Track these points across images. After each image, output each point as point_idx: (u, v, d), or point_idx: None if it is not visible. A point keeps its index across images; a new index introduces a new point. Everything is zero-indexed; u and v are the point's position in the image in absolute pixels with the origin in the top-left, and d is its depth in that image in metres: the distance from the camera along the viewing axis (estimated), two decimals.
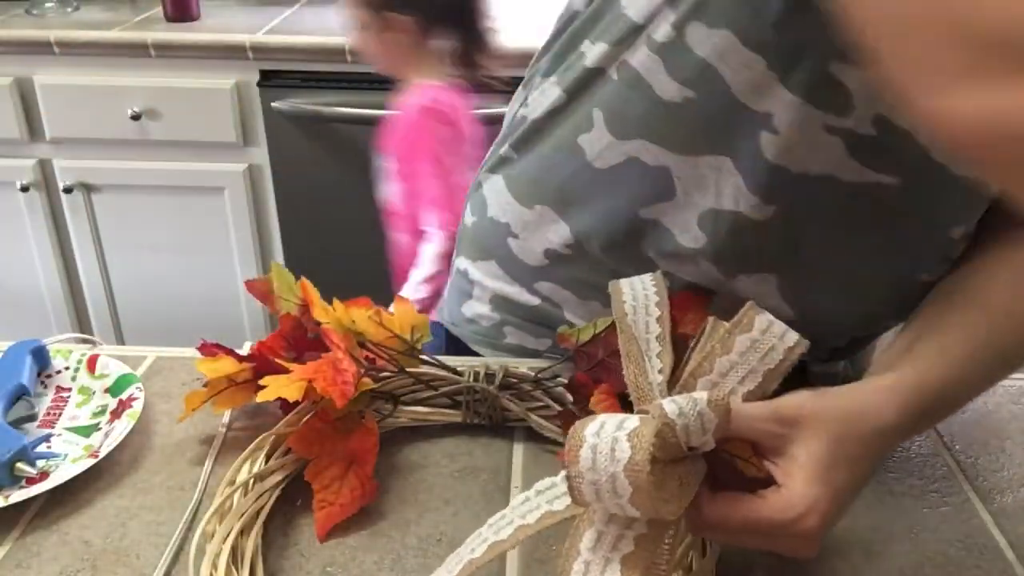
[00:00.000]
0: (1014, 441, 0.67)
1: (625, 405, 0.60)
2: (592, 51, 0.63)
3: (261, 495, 0.56)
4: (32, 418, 0.66)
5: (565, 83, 0.66)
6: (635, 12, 0.60)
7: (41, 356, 0.70)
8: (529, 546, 0.56)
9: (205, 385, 0.64)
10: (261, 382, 0.61)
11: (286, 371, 0.61)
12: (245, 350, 0.66)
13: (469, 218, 0.78)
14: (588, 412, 0.60)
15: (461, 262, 0.80)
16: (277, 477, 0.58)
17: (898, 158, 0.58)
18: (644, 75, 0.60)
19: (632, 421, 0.42)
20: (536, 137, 0.70)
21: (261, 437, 0.60)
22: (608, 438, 0.41)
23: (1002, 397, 0.72)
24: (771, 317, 0.52)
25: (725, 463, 0.47)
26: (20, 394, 0.66)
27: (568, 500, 0.44)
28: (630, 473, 0.40)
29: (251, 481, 0.57)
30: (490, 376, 0.65)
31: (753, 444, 0.48)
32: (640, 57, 0.60)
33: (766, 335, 0.51)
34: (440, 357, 0.68)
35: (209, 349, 0.65)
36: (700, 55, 0.57)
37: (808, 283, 0.65)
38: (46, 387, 0.70)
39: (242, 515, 0.54)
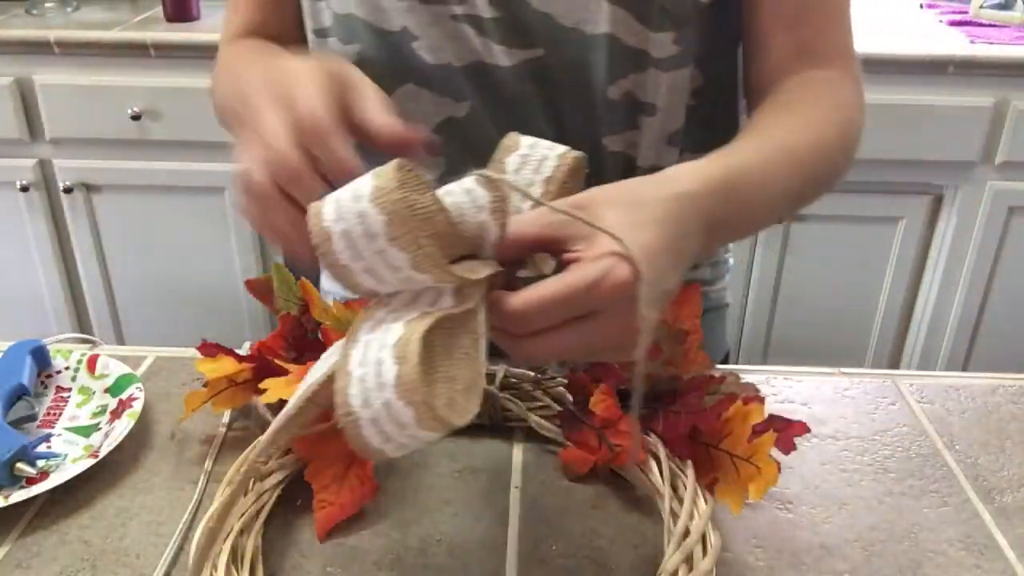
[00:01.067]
0: (1014, 441, 0.67)
1: (625, 404, 0.60)
2: None
3: (261, 495, 0.56)
4: (32, 418, 0.66)
5: None
6: None
7: (41, 356, 0.70)
8: (529, 546, 0.56)
9: (205, 385, 0.64)
10: (261, 384, 0.61)
11: (286, 371, 0.61)
12: (245, 350, 0.66)
13: None
14: (588, 412, 0.60)
15: None
16: (277, 477, 0.58)
17: (532, 30, 0.64)
18: None
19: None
20: None
21: (261, 437, 0.60)
22: (348, 189, 0.38)
23: (1002, 397, 0.72)
24: (537, 138, 0.50)
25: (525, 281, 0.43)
26: (20, 394, 0.66)
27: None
28: (378, 201, 0.36)
29: (251, 481, 0.57)
30: (490, 376, 0.65)
31: (554, 244, 0.44)
32: None
33: (535, 149, 0.49)
34: None
35: (209, 349, 0.65)
36: None
37: None
38: (46, 387, 0.70)
39: (242, 515, 0.54)
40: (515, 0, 0.64)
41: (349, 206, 0.37)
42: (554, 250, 0.45)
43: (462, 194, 0.41)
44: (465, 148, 0.69)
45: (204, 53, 1.67)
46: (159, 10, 1.82)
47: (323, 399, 0.41)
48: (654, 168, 0.70)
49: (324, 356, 0.45)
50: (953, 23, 1.81)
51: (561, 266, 0.44)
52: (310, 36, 0.72)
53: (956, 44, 1.66)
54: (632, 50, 0.66)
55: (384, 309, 0.40)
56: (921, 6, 1.97)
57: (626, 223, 0.43)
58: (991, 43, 1.66)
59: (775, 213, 0.59)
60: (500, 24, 0.65)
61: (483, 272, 0.41)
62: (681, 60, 0.68)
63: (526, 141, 0.50)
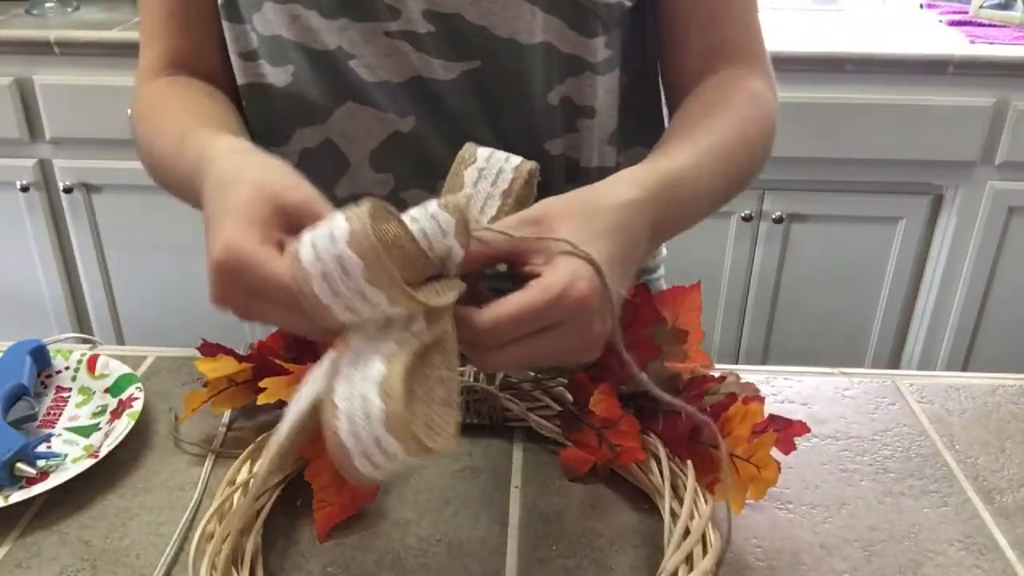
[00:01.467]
0: (1014, 441, 0.67)
1: (625, 404, 0.60)
2: None
3: (261, 495, 0.56)
4: (32, 418, 0.66)
5: None
6: None
7: (41, 356, 0.70)
8: (529, 546, 0.56)
9: (205, 385, 0.64)
10: (261, 384, 0.61)
11: (286, 371, 0.61)
12: (245, 350, 0.66)
13: None
14: (588, 412, 0.60)
15: None
16: (277, 477, 0.58)
17: (469, 43, 0.65)
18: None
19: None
20: None
21: (261, 437, 0.60)
22: (323, 228, 0.40)
23: (1002, 397, 0.72)
24: (492, 149, 0.52)
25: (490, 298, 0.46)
26: (20, 394, 0.66)
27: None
28: (355, 245, 0.39)
29: (251, 481, 0.57)
30: (490, 376, 0.65)
31: (514, 257, 0.47)
32: None
33: (491, 161, 0.51)
34: None
35: (209, 349, 0.65)
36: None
37: None
38: (46, 387, 0.70)
39: (242, 515, 0.54)
40: (450, 14, 0.64)
41: (326, 248, 0.40)
42: (515, 262, 0.48)
43: (428, 219, 0.44)
44: (413, 162, 0.69)
45: None
46: None
47: (311, 428, 0.43)
48: (600, 168, 0.73)
49: (306, 379, 0.46)
50: (953, 23, 1.81)
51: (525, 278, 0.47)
52: (235, 60, 0.70)
53: (956, 44, 1.66)
54: (568, 56, 0.67)
55: (360, 338, 0.43)
56: (921, 6, 1.97)
57: (581, 236, 0.47)
58: (991, 43, 1.66)
59: (705, 212, 0.62)
60: (436, 39, 0.64)
61: (452, 294, 0.44)
62: (613, 62, 0.70)
63: (482, 153, 0.52)
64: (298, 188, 0.47)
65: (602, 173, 0.72)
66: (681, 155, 0.59)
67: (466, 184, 0.51)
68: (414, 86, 0.67)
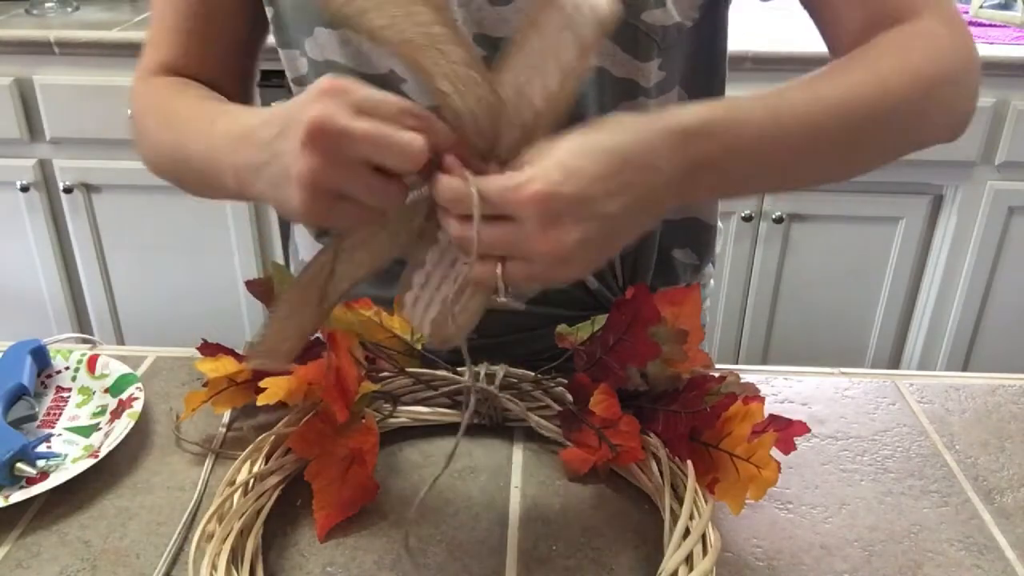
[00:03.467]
0: (1014, 441, 0.67)
1: (625, 404, 0.60)
2: None
3: (261, 495, 0.56)
4: (32, 418, 0.66)
5: None
6: None
7: (41, 356, 0.71)
8: (529, 546, 0.56)
9: (205, 385, 0.64)
10: (261, 384, 0.61)
11: (286, 371, 0.61)
12: (245, 350, 0.66)
13: None
14: (588, 412, 0.60)
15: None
16: (277, 477, 0.58)
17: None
18: None
19: None
20: None
21: (261, 437, 0.60)
22: None
23: (1002, 397, 0.72)
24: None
25: None
26: (20, 394, 0.66)
27: None
28: None
29: (251, 481, 0.57)
30: (490, 376, 0.65)
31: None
32: None
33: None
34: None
35: (209, 349, 0.65)
36: None
37: None
38: (46, 387, 0.70)
39: (242, 515, 0.54)
40: (501, 38, 0.63)
41: None
42: None
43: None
44: None
45: None
46: None
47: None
48: None
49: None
50: None
51: None
52: (292, 85, 0.71)
53: None
54: (621, 81, 0.66)
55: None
56: None
57: (573, 152, 0.46)
58: (991, 43, 1.66)
59: (809, 158, 0.56)
60: (488, 63, 0.64)
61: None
62: (667, 84, 0.68)
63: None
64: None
65: None
66: (764, 96, 0.54)
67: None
68: None
